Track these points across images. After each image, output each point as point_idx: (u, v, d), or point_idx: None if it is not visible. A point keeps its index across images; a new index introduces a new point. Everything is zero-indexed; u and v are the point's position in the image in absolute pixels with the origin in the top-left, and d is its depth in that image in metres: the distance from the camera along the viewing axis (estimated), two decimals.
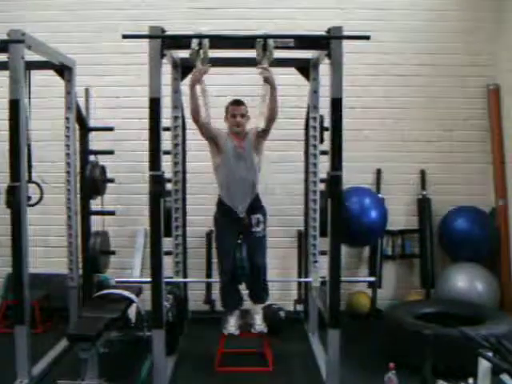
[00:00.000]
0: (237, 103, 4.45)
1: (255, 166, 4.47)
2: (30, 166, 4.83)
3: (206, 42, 3.84)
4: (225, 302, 4.74)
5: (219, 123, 4.49)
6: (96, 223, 5.55)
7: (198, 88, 4.18)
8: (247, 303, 4.80)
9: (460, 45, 6.10)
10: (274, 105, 4.22)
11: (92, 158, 5.44)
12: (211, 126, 4.40)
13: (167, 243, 4.59)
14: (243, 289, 4.77)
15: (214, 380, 4.43)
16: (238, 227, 4.50)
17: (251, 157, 4.44)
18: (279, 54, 3.99)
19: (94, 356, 4.07)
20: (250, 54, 4.00)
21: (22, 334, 4.03)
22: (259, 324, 4.64)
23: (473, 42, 6.10)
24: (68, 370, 4.39)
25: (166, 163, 4.29)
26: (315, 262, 5.19)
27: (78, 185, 5.26)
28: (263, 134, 4.41)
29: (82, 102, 5.37)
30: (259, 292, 4.73)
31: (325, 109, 4.43)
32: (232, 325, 4.62)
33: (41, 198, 5.26)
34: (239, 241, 4.52)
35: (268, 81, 4.09)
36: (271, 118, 4.29)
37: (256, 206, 4.54)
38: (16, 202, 3.94)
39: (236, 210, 4.46)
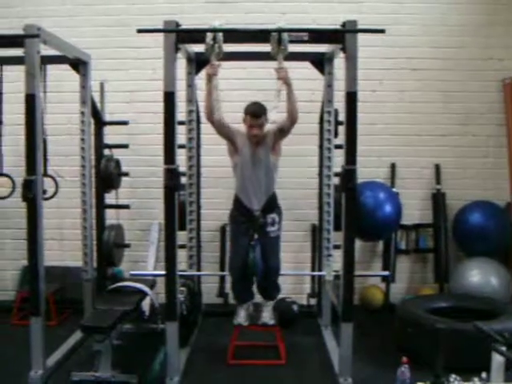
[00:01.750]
0: (255, 116, 4.31)
1: (272, 168, 4.44)
2: (45, 160, 4.88)
3: (219, 36, 3.83)
4: (236, 297, 4.79)
5: (231, 116, 4.44)
6: (110, 216, 5.59)
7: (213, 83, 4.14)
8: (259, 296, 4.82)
9: (476, 38, 6.05)
10: (294, 105, 4.17)
11: (107, 151, 5.47)
12: (226, 124, 4.33)
13: (181, 237, 4.61)
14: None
15: (227, 372, 4.45)
16: (252, 226, 4.46)
17: (268, 159, 4.41)
18: (294, 48, 3.98)
19: (107, 348, 4.11)
20: (263, 48, 4.01)
21: (37, 326, 4.07)
22: (266, 317, 4.68)
23: (489, 36, 6.05)
24: (82, 361, 4.43)
25: (181, 157, 4.32)
26: (329, 255, 5.20)
27: (93, 178, 5.29)
28: (281, 134, 4.37)
29: (96, 96, 5.39)
30: (270, 291, 4.75)
31: (339, 103, 4.43)
32: (241, 316, 4.67)
33: (56, 192, 5.33)
34: (253, 242, 4.48)
35: (285, 81, 4.03)
36: (292, 120, 4.22)
37: (272, 205, 4.53)
38: (32, 195, 3.97)
39: (251, 209, 4.44)
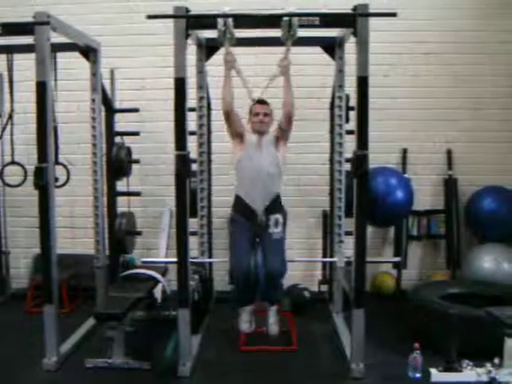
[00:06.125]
0: (261, 102, 4.17)
1: (278, 162, 4.17)
2: (56, 148, 4.89)
3: (229, 21, 3.80)
4: (237, 301, 4.36)
5: (241, 103, 4.33)
6: (122, 204, 5.60)
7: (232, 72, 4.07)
8: None
9: (489, 21, 5.97)
10: (289, 98, 4.02)
11: (118, 139, 5.47)
12: (240, 119, 4.19)
13: (192, 224, 4.61)
14: None
15: (239, 359, 4.46)
16: (255, 228, 4.16)
17: (274, 154, 4.16)
18: (304, 33, 3.94)
19: (120, 334, 4.15)
20: (270, 33, 3.98)
21: (51, 313, 4.11)
22: (272, 323, 4.30)
23: (502, 19, 5.97)
24: (95, 348, 4.45)
25: (191, 144, 4.31)
26: (340, 242, 5.18)
27: (104, 166, 5.30)
28: (282, 134, 4.17)
29: (107, 83, 5.39)
30: (273, 296, 4.30)
31: (350, 88, 4.40)
32: (245, 321, 4.29)
33: (67, 180, 5.34)
34: (256, 245, 4.18)
35: (284, 70, 3.95)
36: (287, 114, 4.06)
37: (276, 206, 4.20)
38: (43, 183, 3.99)
39: (254, 208, 4.14)
